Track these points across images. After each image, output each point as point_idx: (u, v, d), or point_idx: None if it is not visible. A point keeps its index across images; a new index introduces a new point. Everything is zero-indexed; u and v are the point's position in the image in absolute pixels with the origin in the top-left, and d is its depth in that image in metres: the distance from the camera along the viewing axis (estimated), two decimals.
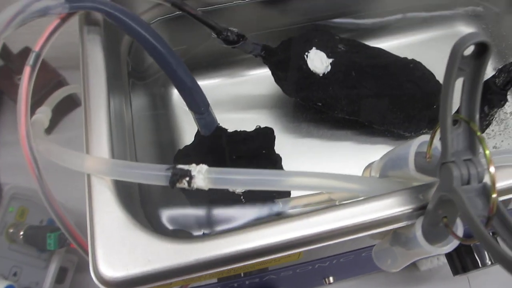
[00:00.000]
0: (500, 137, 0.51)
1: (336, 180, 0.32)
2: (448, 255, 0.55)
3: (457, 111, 0.29)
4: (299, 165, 0.50)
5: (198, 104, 0.43)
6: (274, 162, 0.47)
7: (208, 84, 0.55)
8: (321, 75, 0.49)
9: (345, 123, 0.52)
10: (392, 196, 0.33)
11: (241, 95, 0.55)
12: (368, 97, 0.50)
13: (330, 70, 0.50)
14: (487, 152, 0.27)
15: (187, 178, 0.30)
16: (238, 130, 0.47)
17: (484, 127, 0.47)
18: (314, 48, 0.50)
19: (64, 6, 0.35)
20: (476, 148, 0.29)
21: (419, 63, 0.53)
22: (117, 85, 0.42)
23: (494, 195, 0.26)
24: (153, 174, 0.31)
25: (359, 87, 0.50)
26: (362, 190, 0.34)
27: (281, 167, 0.48)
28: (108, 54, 0.38)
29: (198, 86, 0.42)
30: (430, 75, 0.53)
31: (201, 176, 0.30)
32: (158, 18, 0.48)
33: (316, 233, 0.31)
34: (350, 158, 0.52)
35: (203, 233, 0.46)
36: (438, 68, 0.54)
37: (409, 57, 0.53)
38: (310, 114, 0.54)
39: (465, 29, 0.57)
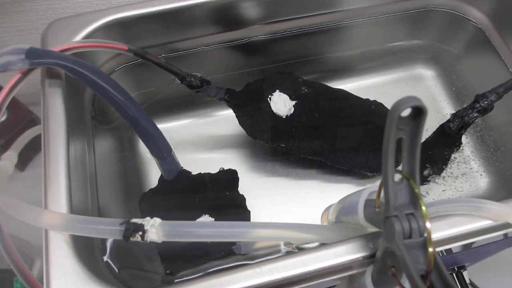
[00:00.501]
0: (459, 179, 0.52)
1: (292, 231, 0.33)
2: None
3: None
4: (264, 205, 0.51)
5: (161, 150, 0.44)
6: (238, 203, 0.48)
7: (175, 125, 0.56)
8: (284, 117, 0.51)
9: (310, 162, 0.54)
10: (343, 244, 0.34)
11: (208, 135, 0.56)
12: (330, 138, 0.52)
13: (293, 112, 0.51)
14: (423, 208, 0.28)
15: (140, 233, 0.31)
16: (202, 172, 0.48)
17: (440, 170, 0.48)
18: (277, 90, 0.52)
19: (25, 62, 0.36)
20: (418, 202, 0.30)
21: (381, 104, 0.55)
22: (79, 132, 0.43)
23: (430, 250, 0.27)
24: (107, 229, 0.31)
25: (322, 128, 0.52)
26: (317, 239, 0.35)
27: (245, 208, 0.48)
28: (69, 105, 0.39)
29: (160, 132, 0.43)
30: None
31: (154, 230, 0.31)
32: (123, 65, 0.50)
33: (268, 282, 0.32)
34: (314, 197, 0.53)
35: (167, 272, 0.46)
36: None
37: (371, 98, 0.55)
38: (275, 154, 0.55)
39: (425, 71, 0.60)
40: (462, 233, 0.35)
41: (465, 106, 0.47)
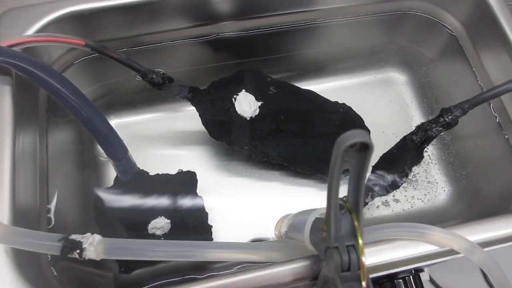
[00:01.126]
0: (420, 189, 0.52)
1: (236, 252, 0.33)
2: None
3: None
4: (224, 205, 0.51)
5: (115, 152, 0.43)
6: (196, 204, 0.48)
7: (138, 119, 0.54)
8: (248, 118, 0.50)
9: (275, 164, 0.53)
10: (288, 264, 0.34)
11: (172, 131, 0.55)
12: (294, 142, 0.51)
13: (258, 113, 0.50)
14: (360, 243, 0.28)
15: (78, 250, 0.30)
16: (160, 173, 0.48)
17: (399, 183, 0.48)
18: (243, 90, 0.51)
19: None
20: (361, 232, 0.30)
21: (349, 108, 0.54)
22: (30, 125, 0.41)
23: (363, 284, 0.27)
24: (45, 244, 0.31)
25: (287, 131, 0.51)
26: (264, 259, 0.35)
27: (203, 209, 0.48)
28: (19, 97, 0.38)
29: (115, 134, 0.42)
30: (359, 121, 0.54)
31: (93, 248, 0.30)
32: (83, 58, 0.48)
33: None
34: (276, 199, 0.52)
35: (121, 270, 0.46)
36: (369, 113, 0.56)
37: (341, 101, 0.54)
38: (239, 154, 0.54)
39: (397, 75, 0.59)
40: (408, 258, 0.35)
41: (430, 118, 0.46)
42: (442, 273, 0.74)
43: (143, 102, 0.54)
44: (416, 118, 0.56)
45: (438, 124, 0.45)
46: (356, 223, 0.28)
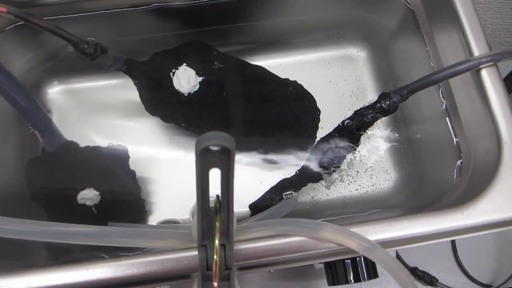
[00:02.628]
0: (363, 174, 0.50)
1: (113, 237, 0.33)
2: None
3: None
4: (163, 179, 0.51)
5: (38, 124, 0.42)
6: (127, 179, 0.47)
7: (88, 86, 0.53)
8: (186, 94, 0.48)
9: None
10: (173, 253, 0.34)
11: (121, 100, 0.53)
12: (236, 121, 0.49)
13: (199, 89, 0.49)
14: (216, 242, 0.27)
15: None
16: (91, 145, 0.47)
17: (334, 169, 0.46)
18: (184, 64, 0.49)
19: None
20: (231, 234, 0.29)
21: (300, 86, 0.52)
22: None
23: (215, 284, 0.27)
24: None
25: (229, 109, 0.49)
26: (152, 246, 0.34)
27: (135, 183, 0.48)
28: None
29: (36, 105, 0.42)
30: (310, 100, 0.52)
31: None
32: (14, 24, 0.47)
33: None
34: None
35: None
36: (324, 91, 0.53)
37: (297, 78, 0.52)
38: (184, 128, 0.53)
39: (357, 52, 0.55)
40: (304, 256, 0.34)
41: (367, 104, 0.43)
42: (410, 250, 0.74)
43: (90, 68, 0.53)
44: (373, 97, 0.53)
45: (374, 110, 0.42)
46: (217, 224, 0.27)
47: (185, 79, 0.48)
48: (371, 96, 0.54)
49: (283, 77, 0.52)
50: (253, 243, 0.35)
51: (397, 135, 0.51)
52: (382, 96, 0.42)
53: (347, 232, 0.34)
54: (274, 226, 0.34)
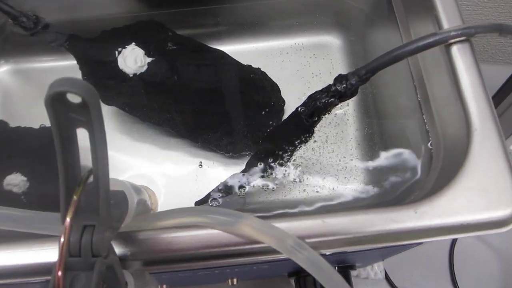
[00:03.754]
0: (331, 171, 0.44)
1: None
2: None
3: None
4: (120, 170, 0.46)
5: None
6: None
7: (35, 67, 0.50)
8: (131, 75, 0.44)
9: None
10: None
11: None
12: (186, 107, 0.44)
13: (146, 71, 0.44)
14: (67, 219, 0.22)
15: None
16: (23, 126, 0.43)
17: (286, 158, 0.41)
18: (133, 44, 0.45)
19: None
20: (104, 211, 0.24)
21: (264, 74, 0.47)
22: None
23: (59, 273, 0.21)
24: None
25: (179, 95, 0.45)
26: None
27: None
28: None
29: None
30: (274, 89, 0.47)
31: None
32: None
33: None
34: (178, 169, 0.46)
35: None
36: (294, 81, 0.48)
37: (265, 66, 0.47)
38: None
39: (332, 40, 0.50)
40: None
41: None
42: (401, 270, 0.66)
43: (41, 49, 0.49)
44: None
45: (329, 94, 0.36)
46: (74, 197, 0.22)
47: (132, 59, 0.44)
48: None
49: (246, 64, 0.47)
50: (164, 233, 0.29)
51: (366, 127, 0.45)
52: (338, 79, 0.36)
53: (268, 227, 0.28)
54: (181, 216, 0.29)
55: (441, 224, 0.29)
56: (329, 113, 0.38)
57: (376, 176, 0.43)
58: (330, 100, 0.37)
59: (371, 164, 0.43)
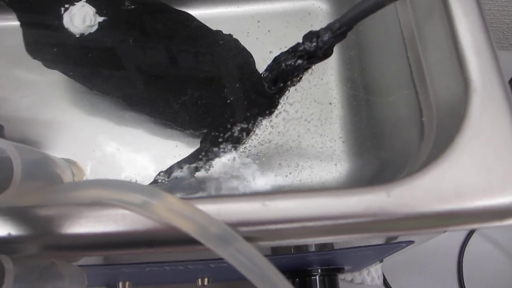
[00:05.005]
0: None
1: None
2: None
3: None
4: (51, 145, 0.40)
5: None
6: None
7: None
8: (77, 35, 0.38)
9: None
10: None
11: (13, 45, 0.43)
12: (138, 76, 0.38)
13: (96, 31, 0.38)
14: None
15: None
16: None
17: (243, 138, 0.34)
18: (83, 0, 0.39)
19: None
20: None
21: (235, 41, 0.40)
22: None
23: None
24: None
25: (131, 61, 0.38)
26: None
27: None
28: None
29: None
30: (245, 60, 0.40)
31: None
32: None
33: None
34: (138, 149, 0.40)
35: None
36: (274, 51, 0.41)
37: (236, 34, 0.40)
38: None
39: (319, 4, 0.43)
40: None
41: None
42: (401, 276, 0.59)
43: None
44: (334, 64, 0.41)
45: (296, 54, 0.30)
46: None
47: (80, 17, 0.38)
48: (332, 63, 0.41)
49: (215, 29, 0.40)
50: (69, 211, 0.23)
51: (351, 98, 0.38)
52: (308, 36, 0.30)
53: (188, 210, 0.21)
54: (84, 189, 0.22)
55: (420, 213, 0.21)
56: (299, 80, 0.31)
57: (360, 156, 0.36)
58: (297, 62, 0.30)
59: (353, 143, 0.36)
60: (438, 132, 0.26)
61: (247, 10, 0.44)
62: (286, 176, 0.36)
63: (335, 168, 0.36)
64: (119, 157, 0.40)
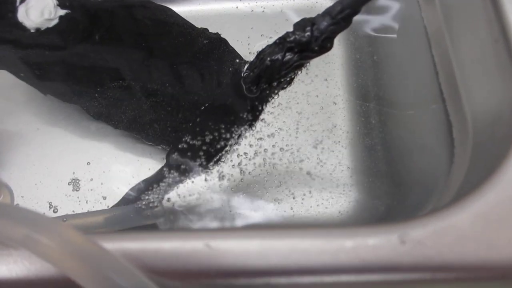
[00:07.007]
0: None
1: None
2: None
3: None
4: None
5: None
6: None
7: None
8: (32, 30, 0.32)
9: None
10: None
11: None
12: (102, 79, 0.32)
13: (56, 26, 0.32)
14: None
15: None
16: None
17: (220, 151, 0.26)
18: None
19: None
20: None
21: (223, 41, 0.34)
22: None
23: None
24: None
25: (96, 62, 0.32)
26: None
27: None
28: None
29: None
30: (235, 62, 0.33)
31: None
32: None
33: None
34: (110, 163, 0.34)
35: None
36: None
37: (214, 30, 0.34)
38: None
39: (322, 1, 0.36)
40: None
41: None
42: None
43: None
44: (336, 61, 0.34)
45: (285, 46, 0.23)
46: None
47: (38, 10, 0.32)
48: (335, 62, 0.34)
49: (200, 27, 0.34)
50: None
51: (362, 118, 0.30)
52: (300, 23, 0.23)
53: (91, 251, 0.14)
54: None
55: (451, 266, 0.14)
56: (289, 82, 0.24)
57: (369, 186, 0.28)
58: (286, 57, 0.23)
59: (363, 167, 0.29)
60: (475, 153, 0.19)
61: (231, 7, 0.37)
62: (277, 209, 0.29)
63: (337, 200, 0.29)
64: (82, 175, 0.34)
